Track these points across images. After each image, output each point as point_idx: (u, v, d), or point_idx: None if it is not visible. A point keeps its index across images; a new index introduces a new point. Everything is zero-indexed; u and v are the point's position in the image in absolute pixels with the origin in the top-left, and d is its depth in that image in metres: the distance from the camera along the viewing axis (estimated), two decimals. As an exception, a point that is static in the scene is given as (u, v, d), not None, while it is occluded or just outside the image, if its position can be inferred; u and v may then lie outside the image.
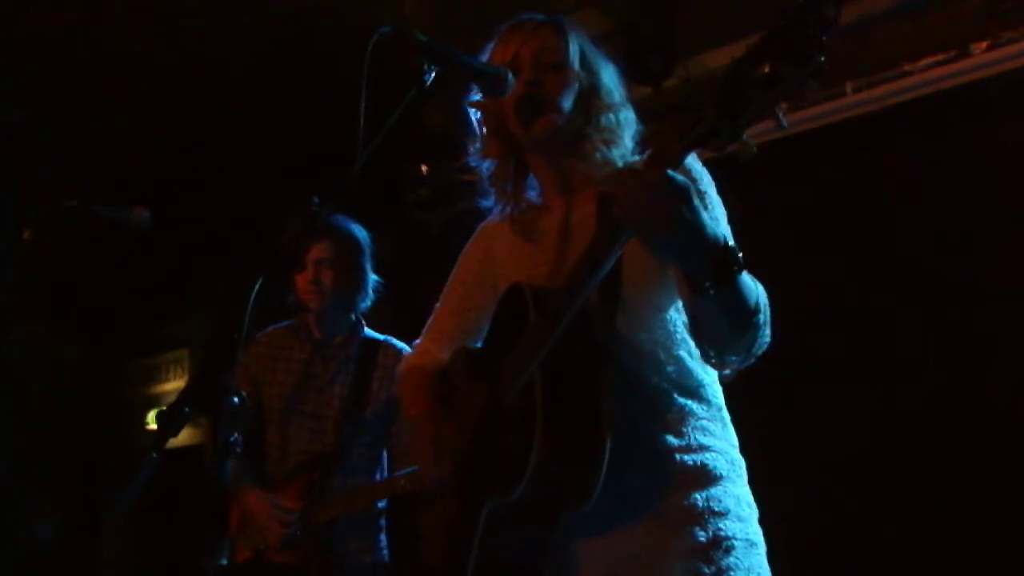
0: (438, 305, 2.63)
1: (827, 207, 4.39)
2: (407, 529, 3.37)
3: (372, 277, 4.02)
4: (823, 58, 1.55)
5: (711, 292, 1.80)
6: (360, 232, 4.00)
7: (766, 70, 1.59)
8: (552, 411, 1.93)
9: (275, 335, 4.07)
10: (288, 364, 3.99)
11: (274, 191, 6.21)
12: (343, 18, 4.77)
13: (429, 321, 2.65)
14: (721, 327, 1.92)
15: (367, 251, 4.01)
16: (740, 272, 1.82)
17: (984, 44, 4.19)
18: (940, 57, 4.28)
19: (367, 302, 4.02)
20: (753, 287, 1.90)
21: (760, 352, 2.00)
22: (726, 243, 1.79)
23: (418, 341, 2.66)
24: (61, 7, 4.96)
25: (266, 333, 4.09)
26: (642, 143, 2.34)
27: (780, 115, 1.63)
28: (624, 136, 2.30)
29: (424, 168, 6.10)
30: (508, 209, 2.43)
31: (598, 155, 2.26)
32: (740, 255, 1.81)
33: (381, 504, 3.92)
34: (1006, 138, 4.06)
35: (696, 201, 1.74)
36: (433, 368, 2.51)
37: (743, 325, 1.90)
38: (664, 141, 1.75)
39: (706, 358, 2.06)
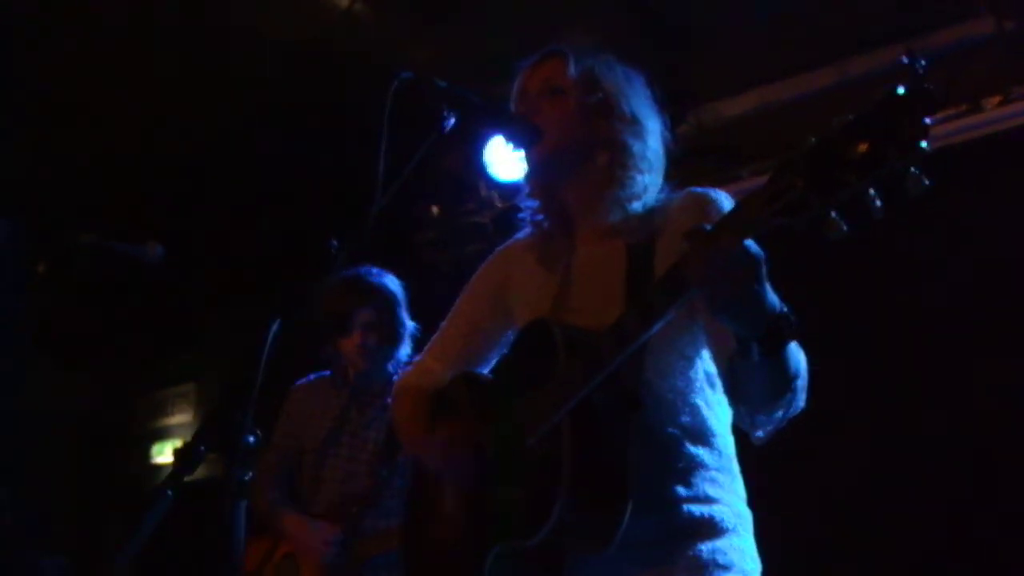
0: (444, 324, 2.57)
1: (834, 261, 4.39)
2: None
3: (410, 326, 4.13)
4: (926, 144, 1.43)
5: (757, 359, 1.76)
6: (397, 288, 4.13)
7: (863, 149, 1.48)
8: (580, 461, 1.89)
9: (315, 384, 4.22)
10: (326, 410, 4.11)
11: (284, 228, 6.26)
12: (360, 59, 4.81)
13: (433, 339, 2.58)
14: (759, 390, 1.87)
15: (404, 304, 4.13)
16: (791, 340, 1.78)
17: (996, 99, 4.21)
18: (952, 111, 4.30)
19: (408, 350, 4.11)
20: (796, 353, 1.85)
21: (794, 415, 1.95)
22: (783, 311, 1.73)
23: (418, 358, 2.60)
24: (79, 40, 5.01)
25: (307, 382, 4.25)
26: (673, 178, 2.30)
27: (875, 203, 1.50)
28: (636, 152, 2.23)
29: (435, 210, 6.12)
30: (543, 237, 2.39)
31: (613, 189, 2.21)
32: (793, 323, 1.74)
33: None
34: (1018, 192, 4.08)
35: (764, 270, 1.68)
36: (432, 391, 2.47)
37: (782, 390, 1.85)
38: (746, 207, 1.66)
39: (738, 418, 2.03)
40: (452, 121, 2.06)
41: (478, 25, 4.71)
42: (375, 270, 4.12)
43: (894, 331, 4.34)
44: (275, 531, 3.96)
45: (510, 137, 2.27)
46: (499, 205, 5.63)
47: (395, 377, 4.05)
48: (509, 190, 5.30)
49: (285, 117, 5.59)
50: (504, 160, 4.96)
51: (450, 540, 2.24)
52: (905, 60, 1.48)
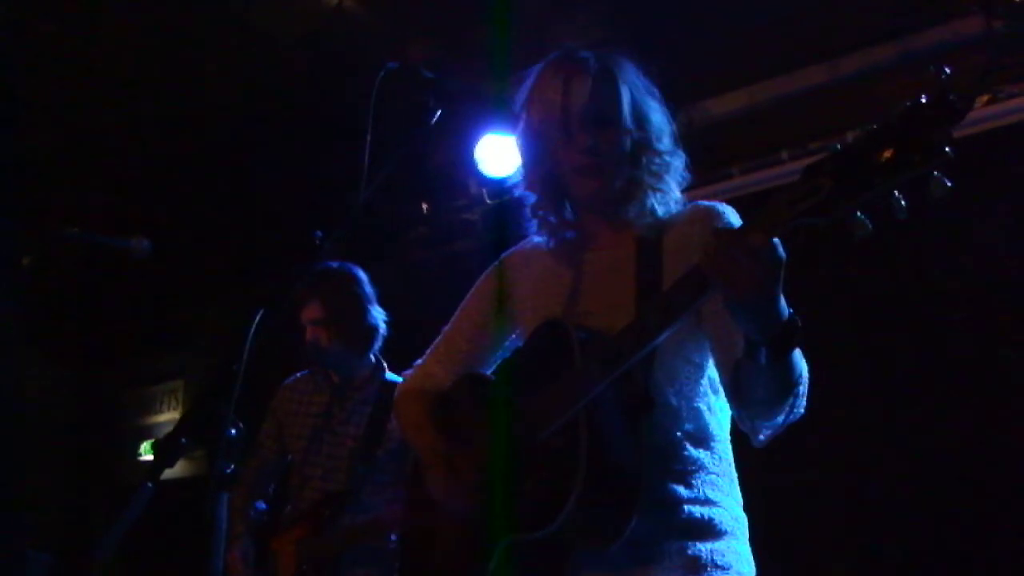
0: (447, 328, 2.55)
1: (828, 261, 4.39)
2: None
3: (376, 319, 4.06)
4: (949, 149, 1.51)
5: (764, 361, 1.80)
6: (355, 284, 4.04)
7: (888, 155, 1.55)
8: (595, 456, 1.92)
9: (299, 382, 4.20)
10: (309, 408, 4.09)
11: (271, 224, 6.25)
12: (350, 55, 4.80)
13: (436, 343, 2.57)
14: (763, 394, 1.91)
15: (366, 299, 4.04)
16: (797, 345, 1.82)
17: (985, 98, 4.22)
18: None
19: (379, 341, 4.07)
20: (799, 359, 1.89)
21: (793, 420, 1.99)
22: (791, 316, 1.78)
23: (420, 362, 2.59)
24: (66, 36, 4.99)
25: (293, 380, 4.23)
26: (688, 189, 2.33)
27: (900, 204, 1.57)
28: (671, 182, 2.26)
29: (425, 206, 6.12)
30: (551, 240, 2.38)
31: (644, 201, 2.22)
32: (800, 329, 1.79)
33: (395, 538, 3.92)
34: (1006, 191, 4.08)
35: (783, 273, 1.72)
36: (435, 393, 2.47)
37: (785, 395, 1.89)
38: (773, 207, 1.70)
39: (741, 421, 2.06)
40: (438, 113, 2.06)
41: (470, 21, 4.70)
42: (335, 264, 4.03)
43: (889, 332, 4.34)
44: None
45: (502, 127, 2.26)
46: (488, 202, 5.62)
47: (380, 370, 4.08)
48: (498, 186, 5.30)
49: (274, 113, 5.58)
50: (494, 156, 4.95)
51: (455, 532, 2.24)
52: (932, 69, 1.54)
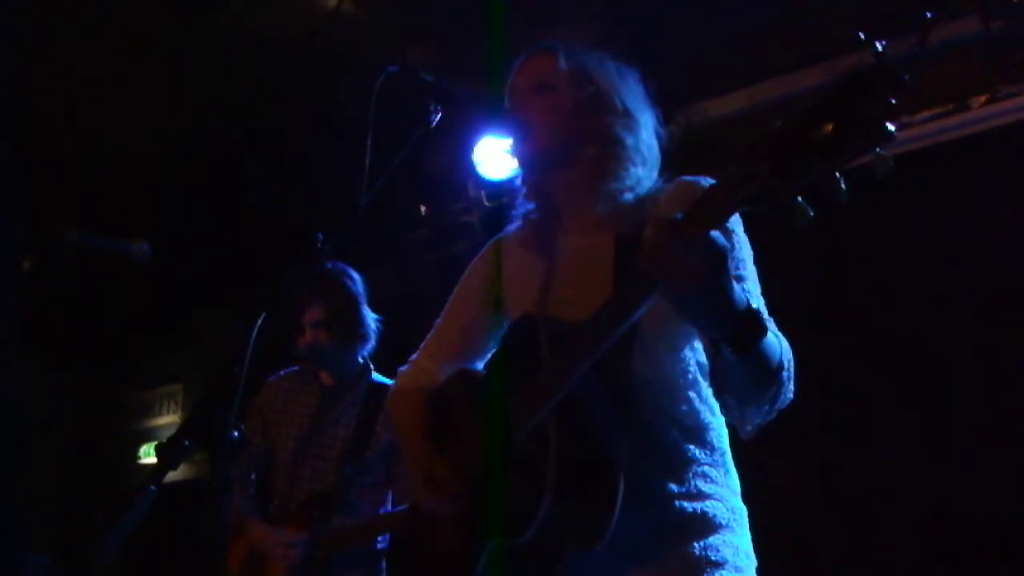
0: (439, 321, 2.53)
1: (821, 259, 4.40)
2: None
3: (371, 321, 4.10)
4: (892, 127, 1.41)
5: (731, 357, 1.74)
6: (352, 284, 4.08)
7: (828, 131, 1.45)
8: (566, 456, 1.87)
9: (286, 379, 4.19)
10: (297, 407, 4.08)
11: (272, 227, 6.25)
12: (348, 58, 4.80)
13: (428, 337, 2.54)
14: (742, 383, 1.84)
15: (361, 299, 4.08)
16: (762, 337, 1.73)
17: (983, 98, 4.22)
18: (939, 110, 4.31)
19: (372, 343, 4.10)
20: (777, 345, 1.82)
21: (782, 407, 1.93)
22: (749, 308, 1.70)
23: (414, 357, 2.56)
24: (65, 37, 4.99)
25: (278, 377, 4.22)
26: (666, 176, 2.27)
27: (840, 185, 1.48)
28: (629, 144, 2.21)
29: (423, 209, 6.12)
30: (525, 227, 2.38)
31: (606, 181, 2.19)
32: (763, 320, 1.72)
33: (381, 539, 3.93)
34: (1005, 191, 4.08)
35: (729, 265, 1.64)
36: (429, 390, 2.44)
37: (765, 382, 1.83)
38: (711, 196, 1.61)
39: (726, 410, 2.00)
40: (439, 115, 2.06)
41: (468, 24, 4.70)
42: (331, 265, 4.06)
43: (891, 330, 4.34)
44: (242, 536, 3.90)
45: (500, 130, 2.28)
46: (487, 204, 5.63)
47: (368, 372, 4.08)
48: (497, 189, 5.31)
49: (274, 115, 5.57)
50: (492, 159, 4.96)
51: (444, 536, 2.21)
52: (862, 36, 1.45)
